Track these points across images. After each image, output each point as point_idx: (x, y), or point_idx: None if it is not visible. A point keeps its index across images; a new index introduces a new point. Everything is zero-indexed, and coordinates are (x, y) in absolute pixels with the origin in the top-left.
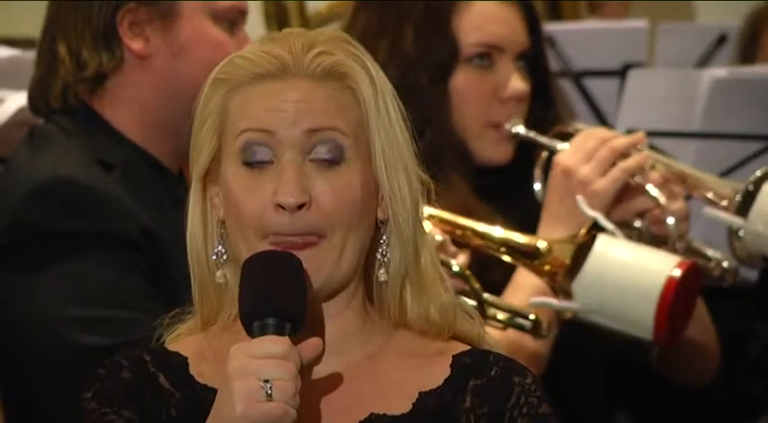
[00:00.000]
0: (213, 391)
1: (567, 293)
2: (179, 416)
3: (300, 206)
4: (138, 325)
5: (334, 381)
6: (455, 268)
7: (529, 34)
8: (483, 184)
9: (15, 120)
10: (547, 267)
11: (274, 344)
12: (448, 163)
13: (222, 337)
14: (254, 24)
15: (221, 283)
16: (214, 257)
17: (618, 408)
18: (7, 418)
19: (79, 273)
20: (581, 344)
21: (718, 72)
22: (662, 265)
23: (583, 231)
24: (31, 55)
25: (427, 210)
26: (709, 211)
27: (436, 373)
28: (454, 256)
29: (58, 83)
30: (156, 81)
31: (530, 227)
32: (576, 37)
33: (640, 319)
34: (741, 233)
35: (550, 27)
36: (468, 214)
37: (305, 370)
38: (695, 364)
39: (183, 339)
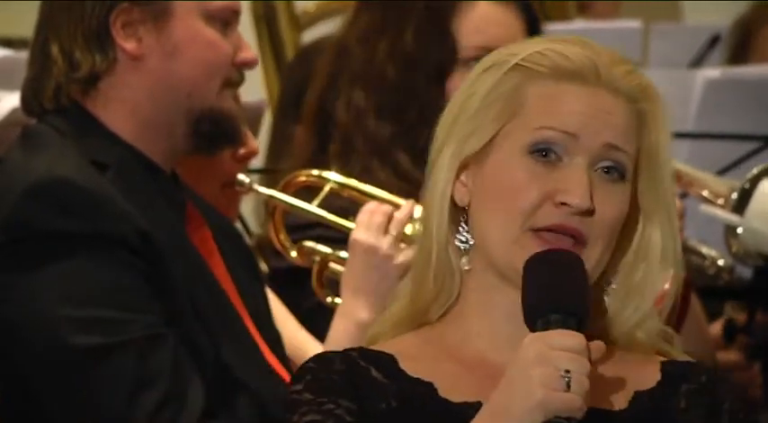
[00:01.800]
0: (428, 385)
1: None
2: (400, 406)
3: (588, 211)
4: (136, 325)
5: None
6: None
7: (529, 36)
8: None
9: (9, 120)
10: None
11: (572, 338)
12: None
13: (431, 334)
14: (243, 24)
15: (464, 270)
16: (460, 244)
17: None
18: (7, 419)
19: (76, 273)
20: None
21: (711, 72)
22: None
23: None
24: (25, 55)
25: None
26: (707, 208)
27: (647, 376)
28: None
29: (50, 83)
30: (149, 81)
31: None
32: None
33: None
34: (738, 231)
35: (543, 28)
36: None
37: None
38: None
39: (382, 342)
